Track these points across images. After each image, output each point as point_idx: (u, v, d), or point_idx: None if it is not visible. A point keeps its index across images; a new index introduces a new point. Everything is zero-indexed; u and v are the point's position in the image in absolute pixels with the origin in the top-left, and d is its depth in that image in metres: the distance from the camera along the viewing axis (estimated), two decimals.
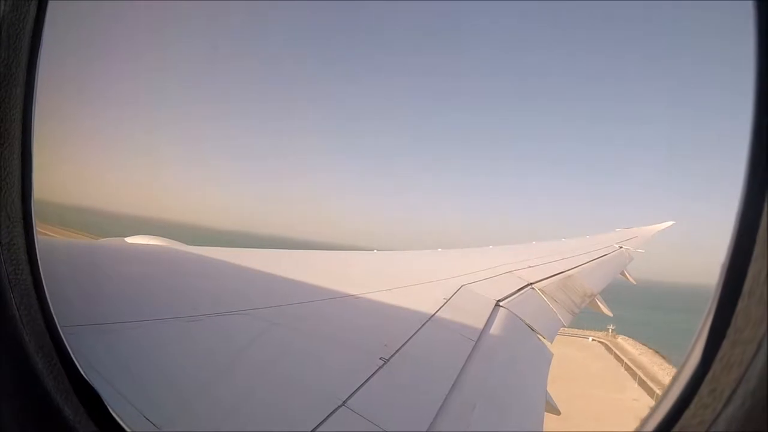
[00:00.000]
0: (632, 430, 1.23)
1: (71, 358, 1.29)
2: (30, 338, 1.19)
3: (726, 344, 0.94)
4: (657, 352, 49.67)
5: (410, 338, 2.84)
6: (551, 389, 3.33)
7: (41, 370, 1.19)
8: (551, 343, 4.36)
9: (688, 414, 0.99)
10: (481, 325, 3.57)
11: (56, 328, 1.28)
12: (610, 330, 54.54)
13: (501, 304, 4.41)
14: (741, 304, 0.94)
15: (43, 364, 1.19)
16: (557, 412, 3.64)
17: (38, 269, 1.25)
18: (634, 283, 9.74)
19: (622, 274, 9.80)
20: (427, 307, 3.58)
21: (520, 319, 4.29)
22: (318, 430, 1.68)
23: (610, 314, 7.39)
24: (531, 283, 5.66)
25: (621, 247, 11.08)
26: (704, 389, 0.96)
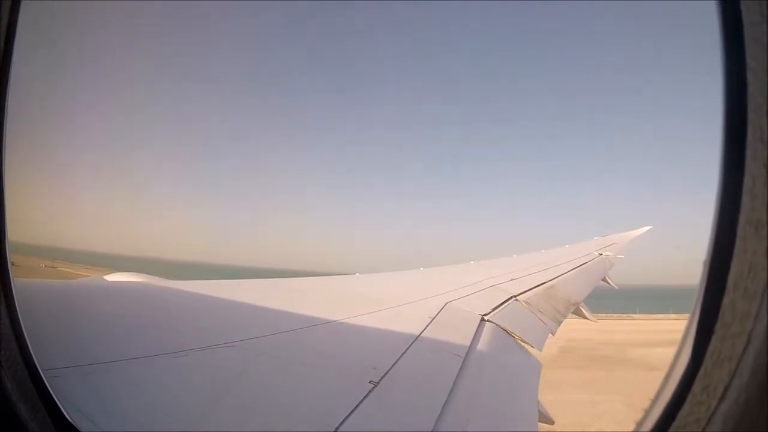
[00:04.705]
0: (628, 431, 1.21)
1: (55, 402, 1.27)
2: (12, 384, 1.17)
3: (715, 340, 0.95)
4: None
5: (398, 359, 2.84)
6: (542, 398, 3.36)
7: (25, 417, 1.17)
8: (540, 352, 4.41)
9: (683, 413, 0.99)
10: (468, 341, 3.59)
11: (38, 372, 1.26)
12: None
13: (487, 318, 4.45)
14: (726, 299, 0.94)
15: (26, 411, 1.17)
16: (551, 422, 3.66)
17: (16, 313, 1.24)
18: (616, 287, 9.91)
19: (604, 280, 9.98)
20: (413, 326, 3.59)
21: (507, 331, 4.33)
22: None
23: (595, 321, 7.49)
24: (515, 296, 5.73)
25: (601, 254, 11.31)
26: (697, 387, 0.97)
